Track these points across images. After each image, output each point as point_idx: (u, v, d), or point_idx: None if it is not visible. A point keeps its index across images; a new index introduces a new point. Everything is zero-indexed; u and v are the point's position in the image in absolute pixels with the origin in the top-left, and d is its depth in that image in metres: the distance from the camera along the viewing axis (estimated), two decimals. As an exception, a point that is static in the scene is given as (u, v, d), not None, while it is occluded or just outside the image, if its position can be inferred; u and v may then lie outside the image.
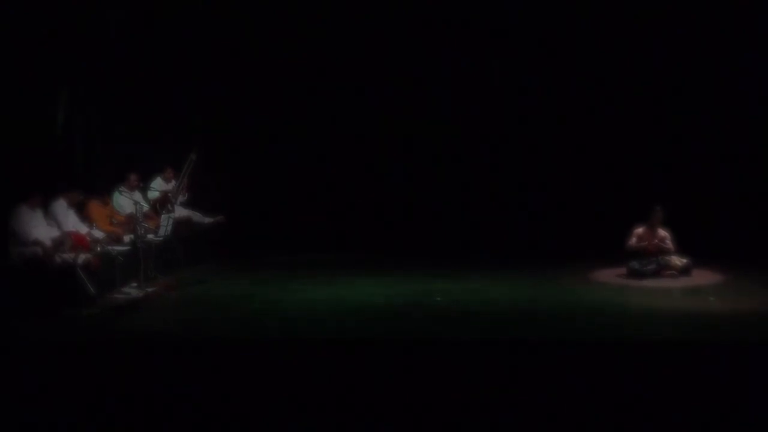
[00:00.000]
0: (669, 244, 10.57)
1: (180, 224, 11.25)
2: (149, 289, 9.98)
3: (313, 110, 12.55)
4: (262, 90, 12.36)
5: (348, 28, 12.17)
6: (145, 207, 10.77)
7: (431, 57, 12.35)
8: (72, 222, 9.68)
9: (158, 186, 11.50)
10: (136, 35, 11.36)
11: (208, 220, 11.93)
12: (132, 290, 9.90)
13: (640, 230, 10.52)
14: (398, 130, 12.50)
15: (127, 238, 10.22)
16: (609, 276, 10.61)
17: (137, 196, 10.87)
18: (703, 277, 10.39)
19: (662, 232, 10.62)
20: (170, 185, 11.57)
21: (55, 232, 9.34)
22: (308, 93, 12.45)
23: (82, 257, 9.19)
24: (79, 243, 9.37)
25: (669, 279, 10.35)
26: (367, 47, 12.30)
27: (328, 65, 12.35)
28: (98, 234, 9.88)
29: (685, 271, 10.45)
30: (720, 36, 11.76)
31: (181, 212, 11.52)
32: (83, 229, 9.73)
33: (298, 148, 12.65)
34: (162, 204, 11.17)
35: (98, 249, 9.56)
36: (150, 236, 10.25)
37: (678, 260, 10.49)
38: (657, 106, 12.25)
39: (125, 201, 10.71)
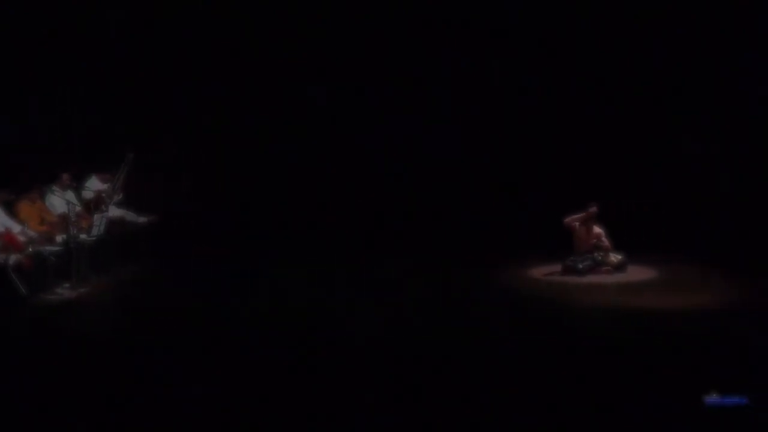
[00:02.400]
0: (604, 241, 10.59)
1: (113, 224, 11.04)
2: (82, 290, 9.80)
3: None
4: (202, 88, 12.31)
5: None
6: (78, 206, 10.53)
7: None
8: (2, 221, 9.45)
9: (93, 185, 11.28)
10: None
11: (141, 219, 11.75)
12: (65, 291, 9.72)
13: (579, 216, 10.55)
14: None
15: (59, 238, 10.01)
16: (545, 273, 10.61)
17: (70, 195, 10.65)
18: (638, 273, 10.41)
19: (597, 229, 10.65)
20: (105, 185, 11.35)
21: (-15, 232, 9.08)
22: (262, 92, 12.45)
23: (14, 257, 8.99)
24: (10, 243, 9.15)
25: (604, 275, 10.36)
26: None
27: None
28: (31, 234, 9.67)
29: (620, 268, 10.48)
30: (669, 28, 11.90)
31: (114, 212, 11.32)
32: (15, 228, 9.50)
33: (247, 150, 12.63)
34: (96, 204, 10.96)
35: (30, 249, 9.34)
36: (83, 236, 10.05)
37: (613, 257, 10.52)
38: (595, 103, 12.38)
39: (57, 200, 10.50)
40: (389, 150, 12.58)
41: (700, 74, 11.91)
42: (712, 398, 5.56)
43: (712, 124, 11.85)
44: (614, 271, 10.44)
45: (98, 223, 10.26)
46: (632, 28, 11.93)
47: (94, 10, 11.46)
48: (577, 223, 10.55)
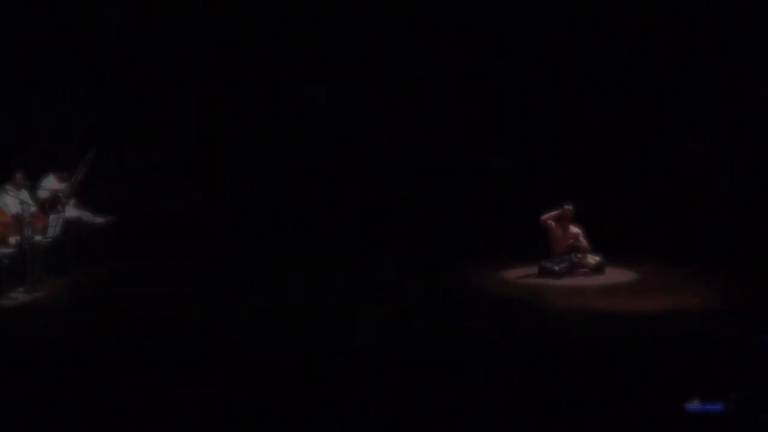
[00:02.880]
0: (582, 241, 10.38)
1: (70, 224, 10.66)
2: (37, 294, 9.47)
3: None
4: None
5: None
6: (33, 207, 10.15)
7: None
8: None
9: (49, 185, 10.89)
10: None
11: (99, 220, 11.38)
12: (19, 295, 9.39)
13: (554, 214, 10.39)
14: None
15: (13, 239, 9.63)
16: (520, 275, 10.42)
17: (24, 194, 10.25)
18: (617, 275, 10.24)
19: (574, 230, 10.44)
20: (63, 185, 10.95)
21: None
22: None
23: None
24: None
25: (582, 277, 10.17)
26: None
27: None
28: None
29: (598, 270, 10.28)
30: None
31: (71, 212, 10.93)
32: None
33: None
34: (52, 204, 10.57)
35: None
36: (38, 237, 9.69)
37: (591, 258, 10.31)
38: (572, 103, 12.29)
39: (11, 200, 10.11)
40: (365, 151, 12.54)
41: (687, 73, 11.91)
42: (694, 405, 5.48)
43: (698, 123, 11.86)
44: (592, 273, 10.22)
45: (54, 224, 9.89)
46: (626, 26, 11.89)
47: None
48: (552, 223, 10.33)
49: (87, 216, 11.29)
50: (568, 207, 10.35)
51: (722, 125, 11.75)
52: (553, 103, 12.30)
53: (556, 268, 10.17)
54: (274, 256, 11.16)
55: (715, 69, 11.73)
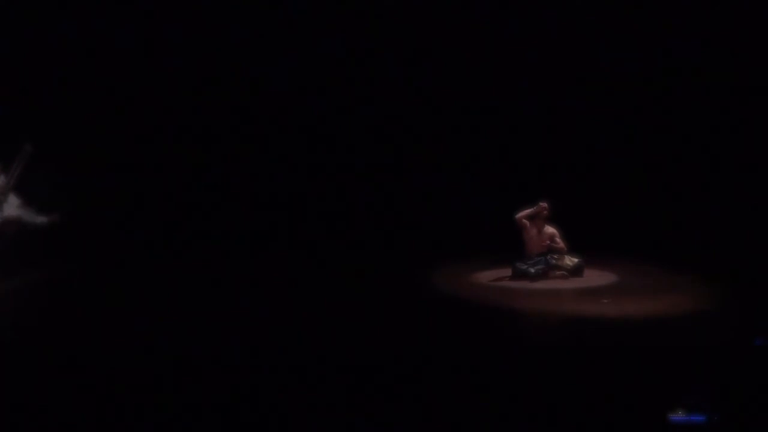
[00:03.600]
0: (559, 242, 9.94)
1: (8, 223, 9.97)
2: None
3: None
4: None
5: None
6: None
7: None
8: None
9: (-19, 181, 10.17)
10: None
11: (40, 219, 10.60)
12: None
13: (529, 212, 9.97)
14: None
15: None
16: (492, 278, 9.95)
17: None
18: (597, 278, 9.82)
19: (550, 229, 10.00)
20: (-1, 180, 10.24)
21: None
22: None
23: None
24: None
25: (559, 280, 9.73)
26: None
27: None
28: None
29: (576, 272, 9.82)
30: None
31: (9, 210, 10.19)
32: None
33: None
34: (-15, 201, 9.86)
35: None
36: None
37: (569, 260, 9.86)
38: (546, 93, 11.93)
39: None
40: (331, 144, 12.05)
41: (666, 65, 11.59)
42: (677, 416, 5.32)
43: (681, 118, 11.58)
44: (570, 276, 9.77)
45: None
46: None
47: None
48: (527, 222, 9.91)
49: (27, 215, 10.50)
50: (544, 204, 9.92)
51: (704, 120, 11.48)
52: (525, 93, 11.94)
53: (532, 270, 9.74)
54: (243, 257, 10.73)
55: (690, 59, 11.42)
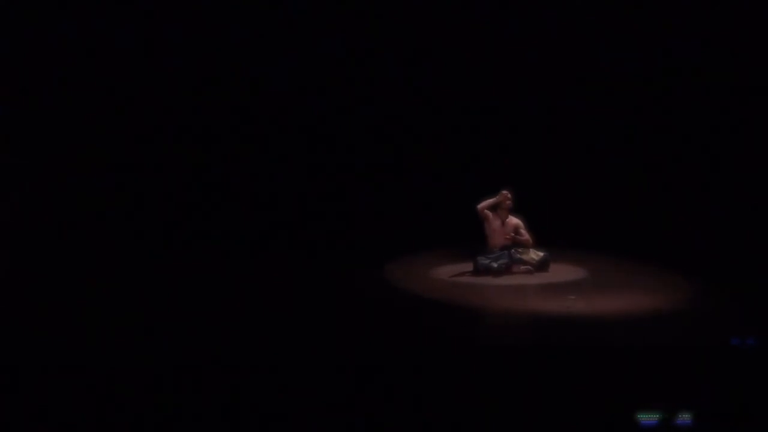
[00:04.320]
0: (524, 234, 9.60)
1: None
2: None
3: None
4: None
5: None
6: None
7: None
8: None
9: None
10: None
11: None
12: None
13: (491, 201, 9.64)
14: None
15: None
16: (452, 273, 9.55)
17: None
18: (563, 273, 9.48)
19: (514, 221, 9.65)
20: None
21: None
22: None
23: None
24: None
25: (523, 275, 9.40)
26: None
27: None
28: None
29: (541, 266, 9.50)
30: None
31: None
32: None
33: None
34: None
35: None
36: None
37: (534, 253, 9.54)
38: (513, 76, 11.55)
39: None
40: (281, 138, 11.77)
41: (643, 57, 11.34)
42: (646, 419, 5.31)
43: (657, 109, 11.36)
44: (535, 271, 9.46)
45: None
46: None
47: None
48: (489, 212, 9.59)
49: None
50: (506, 193, 9.58)
51: (680, 110, 11.26)
52: (489, 75, 11.64)
53: (495, 264, 9.35)
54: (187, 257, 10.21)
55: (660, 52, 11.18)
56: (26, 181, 10.46)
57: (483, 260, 9.39)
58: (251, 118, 11.44)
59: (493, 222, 9.57)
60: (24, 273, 9.01)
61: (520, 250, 9.51)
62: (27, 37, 10.57)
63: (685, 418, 5.26)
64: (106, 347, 6.54)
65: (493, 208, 9.56)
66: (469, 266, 9.51)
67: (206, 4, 10.89)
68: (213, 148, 11.34)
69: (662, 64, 11.01)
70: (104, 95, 10.88)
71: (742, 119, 10.76)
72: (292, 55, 11.31)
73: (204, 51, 11.02)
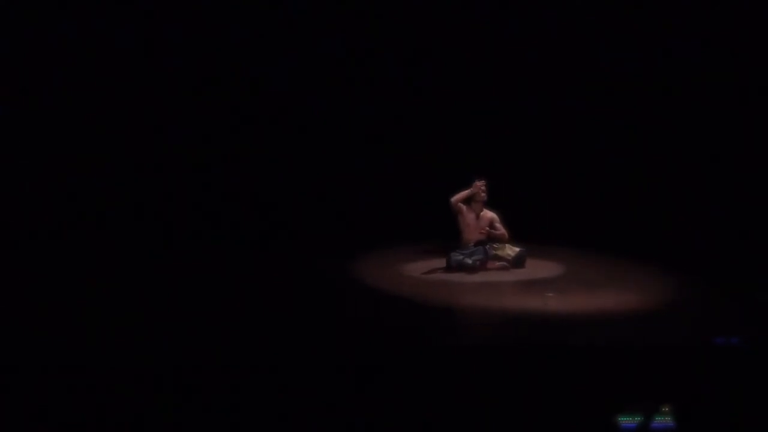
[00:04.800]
0: (499, 228, 9.37)
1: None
2: None
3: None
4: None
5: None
6: None
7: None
8: None
9: None
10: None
11: None
12: None
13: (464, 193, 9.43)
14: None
15: None
16: (424, 270, 9.32)
17: None
18: (541, 270, 9.31)
19: (489, 214, 9.43)
20: None
21: None
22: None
23: None
24: None
25: (499, 272, 9.21)
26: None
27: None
28: None
29: (518, 262, 9.32)
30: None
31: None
32: None
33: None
34: None
35: None
36: None
37: (510, 249, 9.35)
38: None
39: None
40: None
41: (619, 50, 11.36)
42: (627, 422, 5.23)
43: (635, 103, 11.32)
44: (511, 267, 9.27)
45: None
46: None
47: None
48: (463, 206, 9.37)
49: None
50: (480, 183, 9.36)
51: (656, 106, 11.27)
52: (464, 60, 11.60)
53: (469, 260, 9.13)
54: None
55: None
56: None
57: (456, 256, 9.19)
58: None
59: (467, 216, 9.35)
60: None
61: (495, 245, 9.33)
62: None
63: (666, 420, 5.18)
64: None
65: (468, 200, 9.36)
66: (442, 262, 9.32)
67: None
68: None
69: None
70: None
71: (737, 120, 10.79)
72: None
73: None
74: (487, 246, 9.26)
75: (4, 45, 10.48)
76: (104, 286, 8.12)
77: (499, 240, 9.32)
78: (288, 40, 11.36)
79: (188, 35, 11.00)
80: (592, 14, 10.83)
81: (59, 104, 10.71)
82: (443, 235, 9.57)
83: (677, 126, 10.99)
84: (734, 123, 10.59)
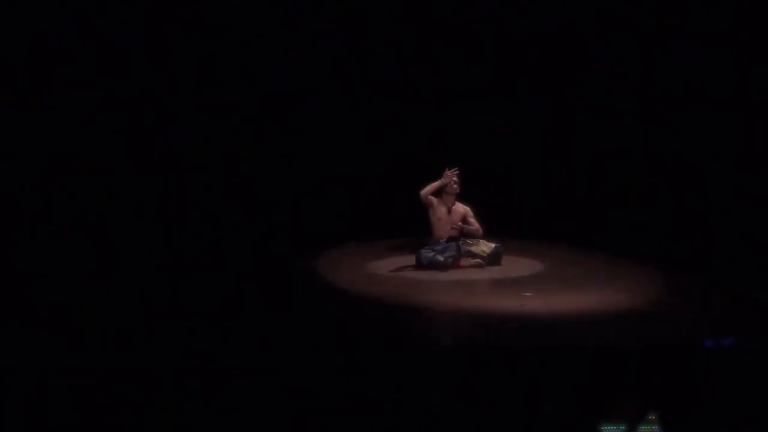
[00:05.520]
0: (473, 223, 9.13)
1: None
2: None
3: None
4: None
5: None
6: None
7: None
8: None
9: None
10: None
11: None
12: None
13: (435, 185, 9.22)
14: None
15: None
16: (392, 267, 9.12)
17: None
18: (518, 267, 9.11)
19: (461, 208, 9.19)
20: None
21: None
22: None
23: None
24: None
25: (472, 270, 8.96)
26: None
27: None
28: None
29: (493, 259, 9.08)
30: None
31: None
32: None
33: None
34: None
35: None
36: None
37: (485, 245, 9.09)
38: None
39: None
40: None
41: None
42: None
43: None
44: (486, 264, 9.01)
45: None
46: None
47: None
48: (434, 199, 9.12)
49: None
50: (451, 173, 9.11)
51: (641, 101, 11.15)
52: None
53: (440, 257, 8.86)
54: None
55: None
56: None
57: (427, 253, 8.91)
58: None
59: (438, 209, 9.10)
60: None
61: (469, 241, 9.05)
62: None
63: (652, 429, 5.01)
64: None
65: (438, 193, 9.14)
66: (411, 259, 9.09)
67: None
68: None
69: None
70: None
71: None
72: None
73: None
74: (460, 242, 9.01)
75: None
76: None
77: (473, 235, 9.08)
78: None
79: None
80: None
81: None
82: (413, 230, 9.40)
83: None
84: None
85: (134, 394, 5.42)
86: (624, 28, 10.82)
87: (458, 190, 9.07)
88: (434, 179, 9.05)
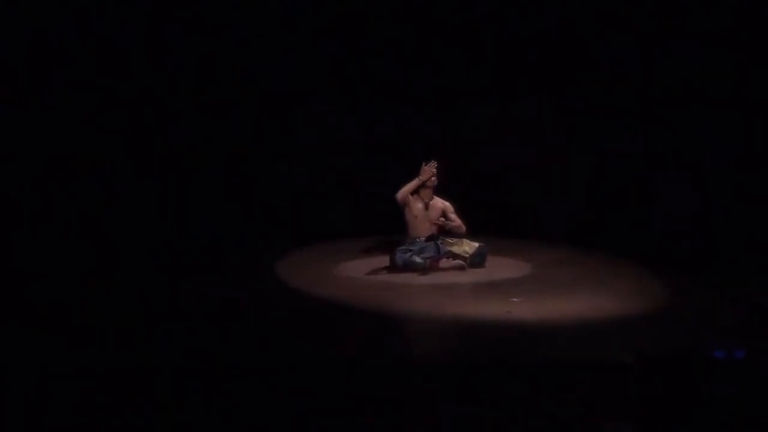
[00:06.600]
0: (454, 219, 8.69)
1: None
2: None
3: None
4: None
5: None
6: None
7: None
8: None
9: None
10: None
11: None
12: None
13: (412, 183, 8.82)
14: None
15: None
16: (365, 270, 8.71)
17: None
18: (503, 269, 8.64)
19: (440, 203, 8.76)
20: None
21: None
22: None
23: None
24: None
25: (453, 272, 8.51)
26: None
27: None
28: None
29: (476, 261, 8.60)
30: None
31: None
32: None
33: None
34: None
35: None
36: None
37: (467, 245, 8.63)
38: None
39: None
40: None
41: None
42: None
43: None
44: (468, 266, 8.54)
45: None
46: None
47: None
48: (410, 196, 8.68)
49: None
50: (429, 167, 8.69)
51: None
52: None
53: (417, 259, 8.40)
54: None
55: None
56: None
57: (403, 253, 8.47)
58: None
59: (415, 205, 8.66)
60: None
61: (449, 240, 8.61)
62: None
63: None
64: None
65: (415, 189, 8.73)
66: (385, 261, 8.64)
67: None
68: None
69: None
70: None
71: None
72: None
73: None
74: (440, 241, 8.54)
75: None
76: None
77: (455, 233, 8.66)
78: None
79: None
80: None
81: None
82: (387, 228, 9.04)
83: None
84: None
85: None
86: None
87: (436, 182, 8.66)
88: (409, 177, 8.67)
